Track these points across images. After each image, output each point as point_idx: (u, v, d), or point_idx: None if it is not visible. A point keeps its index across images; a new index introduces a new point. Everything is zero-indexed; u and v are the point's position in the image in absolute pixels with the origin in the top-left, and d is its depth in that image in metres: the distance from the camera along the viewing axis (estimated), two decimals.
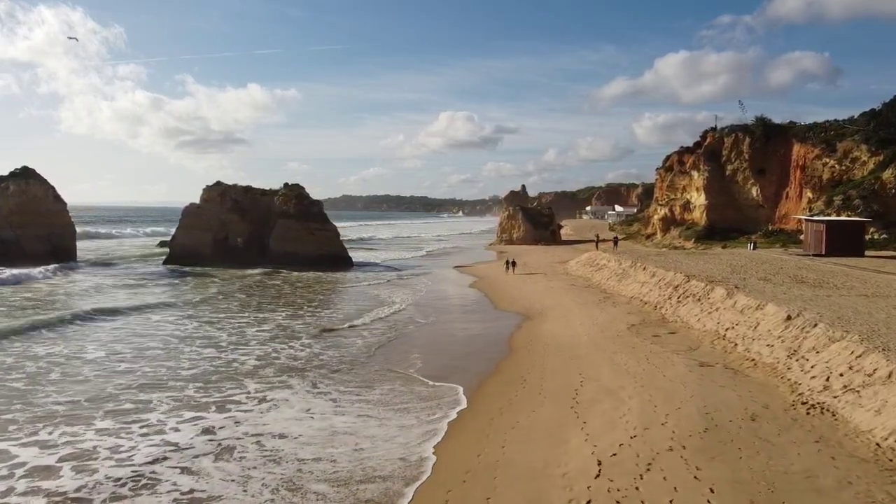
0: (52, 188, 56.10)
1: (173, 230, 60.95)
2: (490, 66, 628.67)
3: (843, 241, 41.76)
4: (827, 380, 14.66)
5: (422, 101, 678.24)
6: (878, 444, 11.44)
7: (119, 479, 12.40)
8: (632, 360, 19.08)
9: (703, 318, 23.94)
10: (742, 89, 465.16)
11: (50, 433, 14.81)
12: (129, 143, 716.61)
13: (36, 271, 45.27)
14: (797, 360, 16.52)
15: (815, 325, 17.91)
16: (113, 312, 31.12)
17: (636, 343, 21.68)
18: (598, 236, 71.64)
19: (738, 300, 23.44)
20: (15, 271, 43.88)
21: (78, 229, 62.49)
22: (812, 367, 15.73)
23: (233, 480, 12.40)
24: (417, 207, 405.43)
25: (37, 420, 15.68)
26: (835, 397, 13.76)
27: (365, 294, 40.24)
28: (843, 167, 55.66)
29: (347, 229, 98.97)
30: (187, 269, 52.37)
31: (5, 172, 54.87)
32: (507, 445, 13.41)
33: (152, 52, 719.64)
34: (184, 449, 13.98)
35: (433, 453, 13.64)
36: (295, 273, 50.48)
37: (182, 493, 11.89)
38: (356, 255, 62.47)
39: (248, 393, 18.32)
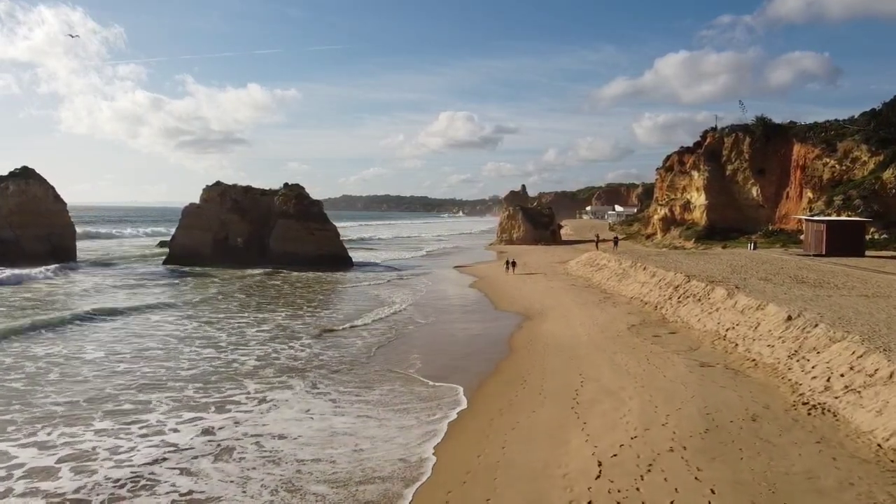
0: (52, 188, 56.18)
1: (173, 230, 60.97)
2: (490, 66, 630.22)
3: (843, 241, 41.73)
4: (828, 380, 14.62)
5: (422, 101, 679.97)
6: (879, 445, 11.40)
7: (118, 480, 12.39)
8: (632, 361, 19.04)
9: (703, 318, 23.90)
10: (742, 89, 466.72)
11: (49, 434, 14.79)
12: (129, 143, 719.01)
13: (36, 271, 45.21)
14: (798, 361, 16.48)
15: (816, 325, 17.88)
16: (112, 313, 31.09)
17: (636, 343, 21.63)
18: (598, 236, 71.57)
19: (739, 300, 23.40)
20: (15, 271, 43.86)
21: (78, 229, 62.57)
22: (813, 367, 15.69)
23: (232, 481, 12.37)
24: (417, 207, 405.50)
25: (36, 420, 15.65)
26: (836, 398, 13.72)
27: (365, 294, 40.21)
28: (844, 167, 55.64)
29: (347, 229, 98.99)
30: (187, 269, 52.38)
31: (5, 172, 55.06)
32: (508, 446, 13.38)
33: (152, 52, 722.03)
34: (183, 450, 13.95)
35: (433, 454, 13.61)
36: (295, 273, 50.44)
37: (181, 495, 11.87)
38: (356, 255, 62.46)
39: (248, 393, 18.29)
